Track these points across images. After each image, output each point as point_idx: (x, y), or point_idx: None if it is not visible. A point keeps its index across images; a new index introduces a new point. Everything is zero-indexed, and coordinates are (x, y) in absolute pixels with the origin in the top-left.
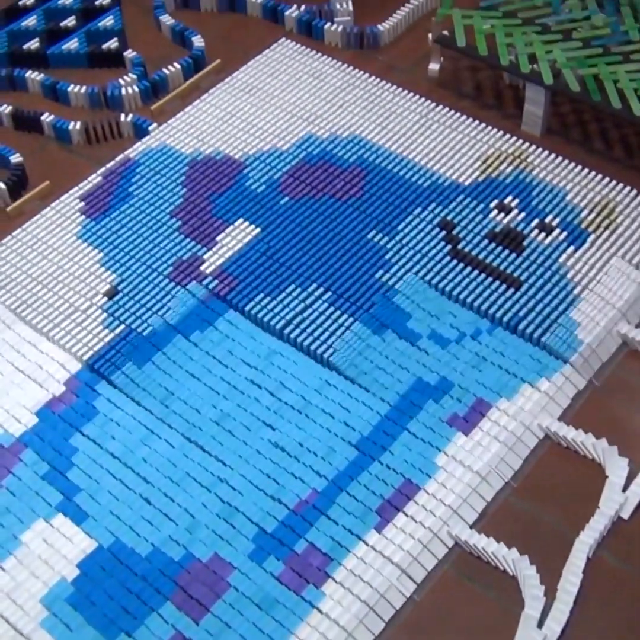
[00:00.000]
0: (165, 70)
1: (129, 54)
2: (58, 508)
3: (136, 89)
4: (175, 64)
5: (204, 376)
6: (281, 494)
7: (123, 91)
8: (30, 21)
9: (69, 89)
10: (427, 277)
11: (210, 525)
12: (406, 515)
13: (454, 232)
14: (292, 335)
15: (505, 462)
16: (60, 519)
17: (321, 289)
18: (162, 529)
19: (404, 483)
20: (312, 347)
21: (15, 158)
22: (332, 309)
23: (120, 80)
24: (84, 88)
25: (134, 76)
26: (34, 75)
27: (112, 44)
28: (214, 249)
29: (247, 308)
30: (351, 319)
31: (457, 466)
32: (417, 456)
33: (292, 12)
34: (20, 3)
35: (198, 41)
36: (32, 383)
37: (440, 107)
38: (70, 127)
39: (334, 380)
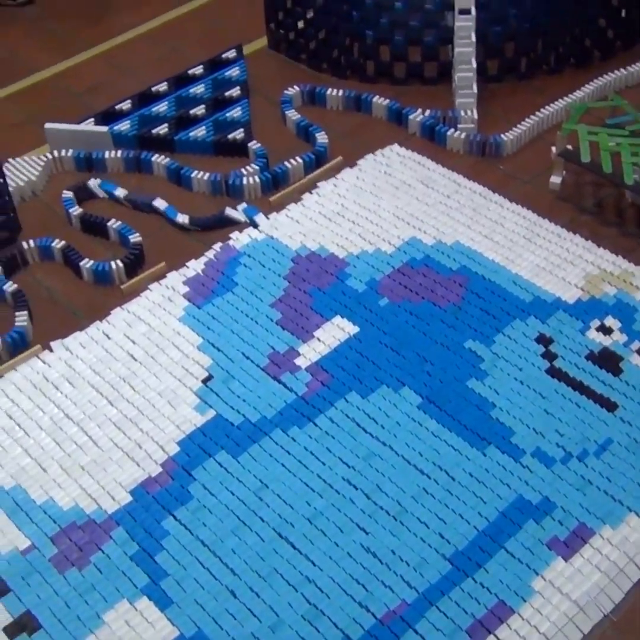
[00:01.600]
0: (287, 163)
1: (253, 145)
2: (143, 591)
3: (257, 179)
4: (297, 158)
5: (299, 471)
6: (369, 602)
7: (244, 181)
8: (162, 107)
9: (193, 174)
10: (524, 393)
11: (294, 626)
12: (497, 639)
13: (552, 348)
14: (384, 438)
15: (605, 593)
16: (144, 602)
17: (413, 393)
18: (245, 625)
19: (497, 604)
20: (407, 454)
21: (134, 237)
22: (424, 414)
23: (243, 170)
24: (207, 175)
25: (257, 167)
26: (159, 159)
27: (238, 134)
28: (310, 344)
29: (341, 406)
30: (445, 429)
31: (555, 592)
32: (513, 577)
33: (417, 116)
34: (153, 89)
35: (321, 137)
36: (130, 461)
37: (547, 221)
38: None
39: (431, 488)
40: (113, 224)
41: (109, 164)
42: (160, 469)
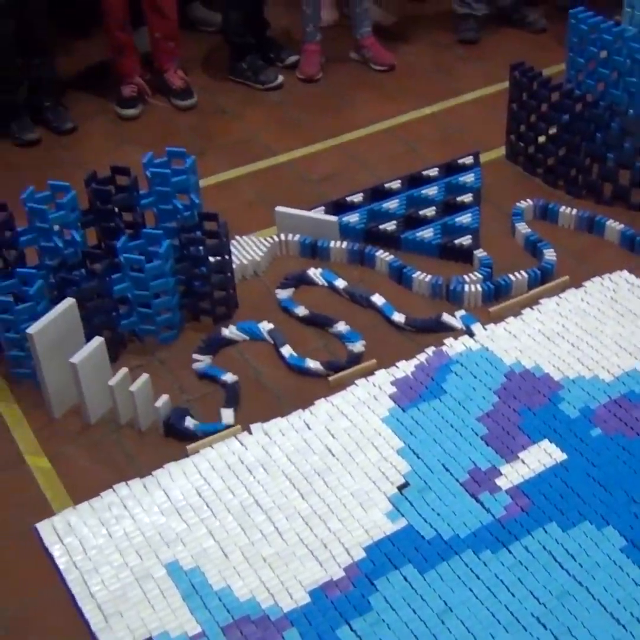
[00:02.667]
0: (511, 276)
1: (479, 253)
2: None
3: (479, 288)
4: (522, 272)
5: (487, 600)
6: None
7: (466, 288)
8: (392, 204)
9: (414, 275)
10: None
11: None
12: None
13: None
14: (581, 578)
15: None
16: None
17: (616, 534)
18: None
19: None
20: (604, 599)
21: (357, 347)
22: (626, 559)
23: (466, 277)
24: (428, 277)
25: (480, 275)
26: (383, 255)
27: (465, 240)
28: (514, 465)
29: (539, 536)
30: None
31: None
32: None
33: None
34: (386, 185)
35: (549, 254)
36: (313, 560)
37: None
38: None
39: None
40: (337, 326)
41: (333, 254)
42: (342, 574)
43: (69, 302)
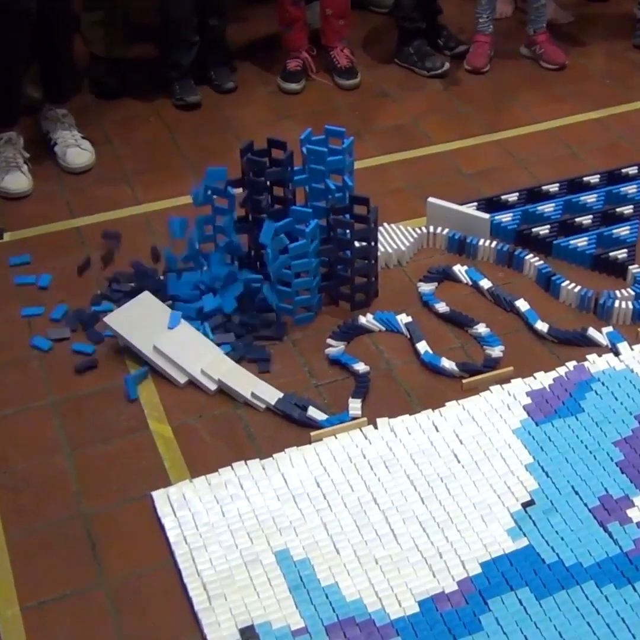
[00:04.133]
0: None
1: (635, 268)
2: None
3: (631, 305)
4: None
5: (605, 637)
6: None
7: (616, 304)
8: (548, 207)
9: (563, 284)
10: None
11: None
12: None
13: None
14: None
15: None
16: None
17: None
18: None
19: None
20: None
21: (496, 351)
22: None
23: (617, 293)
24: (578, 288)
25: (633, 292)
26: (533, 259)
27: (620, 254)
28: None
29: None
30: None
31: None
32: None
33: None
34: (543, 188)
35: None
36: (427, 569)
37: None
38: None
39: None
40: (477, 327)
41: (481, 252)
42: (455, 587)
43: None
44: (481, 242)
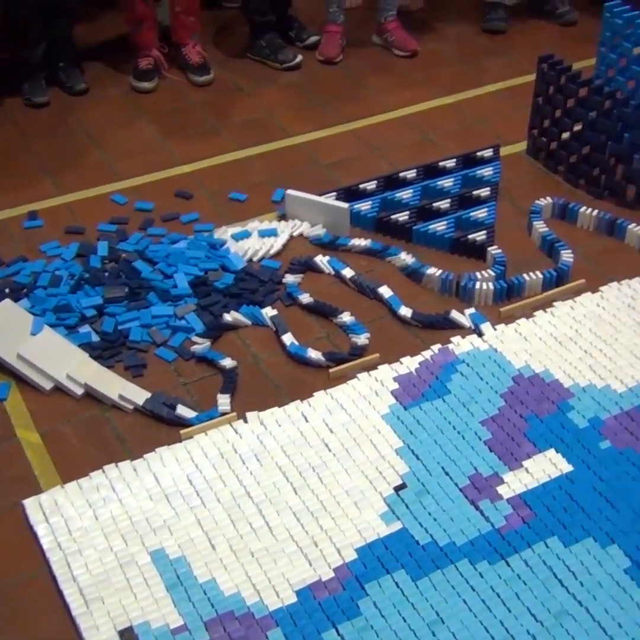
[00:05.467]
0: (525, 276)
1: (493, 250)
2: None
3: (491, 286)
4: (537, 273)
5: (481, 613)
6: None
7: (477, 285)
8: (406, 194)
9: (425, 270)
10: None
11: None
12: None
13: None
14: (581, 597)
15: None
16: None
17: (622, 554)
18: None
19: None
20: (605, 621)
21: (362, 339)
22: (631, 581)
23: (478, 274)
24: (439, 272)
25: (492, 273)
26: (394, 259)
27: (479, 236)
28: (517, 473)
29: (540, 550)
30: None
31: None
32: None
33: None
34: (401, 174)
35: (566, 256)
36: (303, 558)
37: None
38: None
39: None
40: (342, 317)
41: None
42: (332, 574)
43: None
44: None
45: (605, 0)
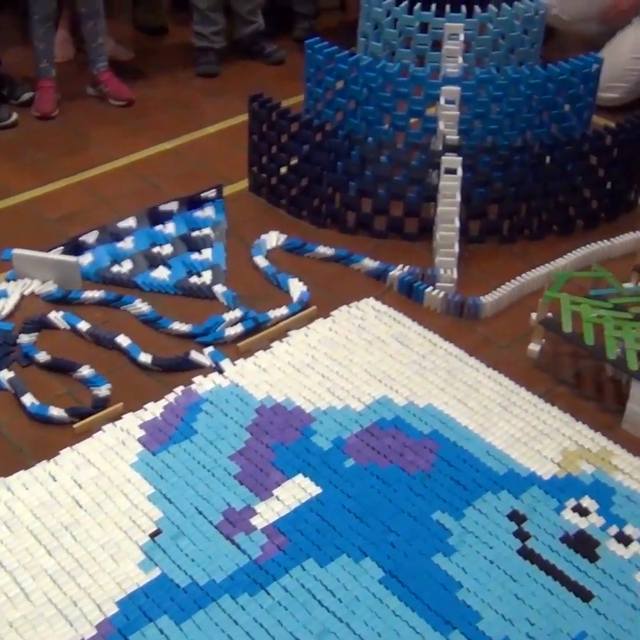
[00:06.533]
0: (259, 309)
1: (223, 288)
2: None
3: (239, 328)
4: (276, 310)
5: None
6: None
7: (226, 332)
8: (127, 243)
9: (169, 325)
10: (493, 574)
11: None
12: None
13: (524, 526)
14: (341, 614)
15: None
16: None
17: (374, 565)
18: None
19: None
20: (365, 633)
21: (103, 391)
22: (385, 590)
23: (225, 316)
24: (184, 327)
25: (240, 313)
26: (130, 306)
27: (207, 276)
28: (268, 502)
29: (297, 574)
30: (407, 608)
31: None
32: None
33: (396, 272)
34: (121, 224)
35: (295, 285)
36: (63, 620)
37: (524, 390)
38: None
39: None
40: (81, 371)
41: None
42: (94, 632)
43: None
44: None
45: (304, 38)
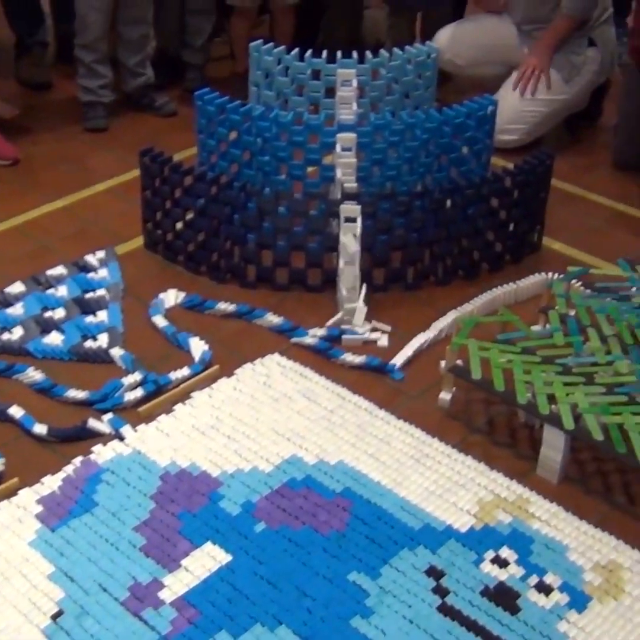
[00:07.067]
0: (160, 372)
1: (119, 351)
2: None
3: (139, 392)
4: (180, 372)
5: None
6: None
7: (126, 397)
8: (16, 310)
9: (65, 392)
10: (413, 634)
11: None
12: None
13: (443, 582)
14: None
15: None
16: None
17: (291, 633)
18: None
19: None
20: None
21: None
22: None
23: (124, 380)
24: (81, 394)
25: (140, 377)
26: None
27: (103, 339)
28: (177, 574)
29: None
30: None
31: None
32: None
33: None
34: (8, 290)
35: (196, 345)
36: None
37: (437, 440)
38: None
39: None
40: None
41: None
42: None
43: None
44: None
45: (195, 89)
